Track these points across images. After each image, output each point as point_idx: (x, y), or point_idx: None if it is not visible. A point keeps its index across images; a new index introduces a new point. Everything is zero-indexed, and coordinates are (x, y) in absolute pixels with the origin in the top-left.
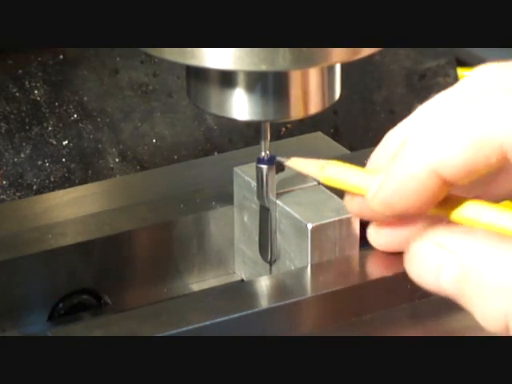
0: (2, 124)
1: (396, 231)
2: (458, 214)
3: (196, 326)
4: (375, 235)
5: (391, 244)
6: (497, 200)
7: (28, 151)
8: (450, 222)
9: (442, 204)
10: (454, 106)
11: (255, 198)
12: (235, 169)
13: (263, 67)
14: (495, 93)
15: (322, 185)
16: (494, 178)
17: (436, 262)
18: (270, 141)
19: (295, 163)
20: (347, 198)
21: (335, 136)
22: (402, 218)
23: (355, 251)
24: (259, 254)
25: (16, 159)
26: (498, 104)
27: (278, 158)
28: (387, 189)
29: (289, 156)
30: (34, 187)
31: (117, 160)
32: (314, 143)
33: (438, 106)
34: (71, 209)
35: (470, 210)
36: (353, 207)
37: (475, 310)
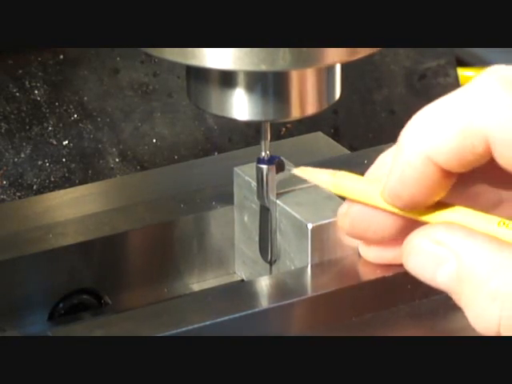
0: (2, 124)
1: (386, 248)
2: (446, 218)
3: (196, 326)
4: (366, 249)
5: (381, 259)
6: None
7: (28, 151)
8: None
9: (430, 210)
10: (449, 94)
11: (255, 198)
12: (235, 169)
13: (263, 67)
14: (489, 81)
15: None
16: (498, 203)
17: (434, 257)
18: (270, 141)
19: (303, 171)
20: (342, 226)
21: (335, 136)
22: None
23: (355, 251)
24: (259, 254)
25: (16, 159)
26: (488, 93)
27: (287, 167)
28: (392, 179)
29: (296, 164)
30: (34, 187)
31: (117, 160)
32: (314, 143)
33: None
34: (71, 209)
35: (459, 216)
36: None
37: (468, 310)
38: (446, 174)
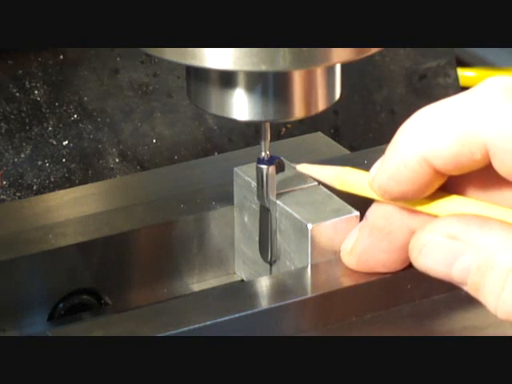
0: (2, 124)
1: (372, 257)
2: (441, 208)
3: (196, 326)
4: (348, 257)
5: (367, 267)
6: None
7: (28, 151)
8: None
9: (426, 200)
10: (451, 97)
11: (255, 198)
12: (235, 169)
13: (263, 67)
14: (492, 90)
15: (323, 185)
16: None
17: (448, 252)
18: (270, 141)
19: (307, 168)
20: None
21: (335, 136)
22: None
23: None
24: (259, 254)
25: (16, 159)
26: (490, 102)
27: (292, 164)
28: (383, 175)
29: (298, 161)
30: (34, 187)
31: (117, 160)
32: (314, 143)
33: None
34: (71, 209)
35: (455, 204)
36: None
37: (488, 300)
38: (440, 175)
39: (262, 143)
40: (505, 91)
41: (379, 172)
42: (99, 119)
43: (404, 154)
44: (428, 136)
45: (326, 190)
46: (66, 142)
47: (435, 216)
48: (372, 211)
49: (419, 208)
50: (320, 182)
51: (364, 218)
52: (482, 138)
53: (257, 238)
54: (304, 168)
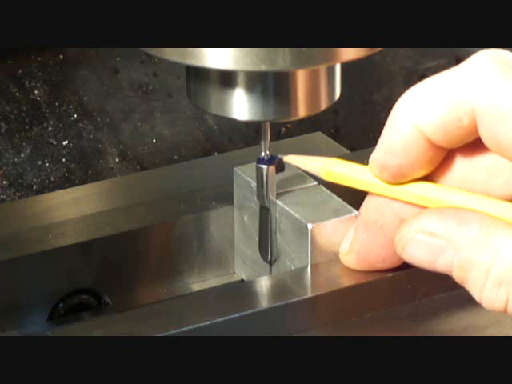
0: (2, 124)
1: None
2: (406, 192)
3: (196, 326)
4: (347, 257)
5: (366, 266)
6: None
7: (28, 151)
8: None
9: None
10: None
11: (255, 198)
12: (235, 169)
13: (263, 67)
14: (483, 59)
15: (322, 184)
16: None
17: (430, 249)
18: (270, 141)
19: (294, 159)
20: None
21: (335, 136)
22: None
23: None
24: (259, 254)
25: (16, 159)
26: (480, 70)
27: (280, 156)
28: (380, 150)
29: (288, 153)
30: (34, 187)
31: (117, 160)
32: (314, 143)
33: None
34: (71, 209)
35: (420, 189)
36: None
37: (473, 292)
38: (434, 146)
39: (262, 143)
40: (495, 61)
41: (377, 148)
42: (99, 119)
43: (397, 123)
44: (420, 104)
45: (325, 189)
46: (66, 142)
47: (423, 207)
48: (364, 206)
49: (405, 199)
50: (307, 173)
51: (358, 215)
52: (470, 104)
53: (257, 238)
54: (291, 159)
